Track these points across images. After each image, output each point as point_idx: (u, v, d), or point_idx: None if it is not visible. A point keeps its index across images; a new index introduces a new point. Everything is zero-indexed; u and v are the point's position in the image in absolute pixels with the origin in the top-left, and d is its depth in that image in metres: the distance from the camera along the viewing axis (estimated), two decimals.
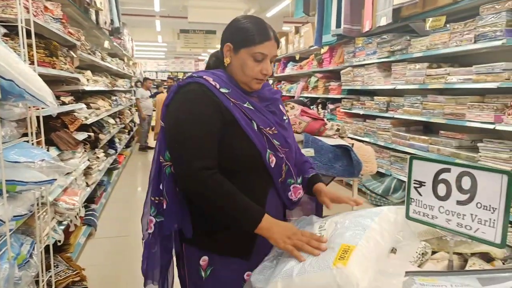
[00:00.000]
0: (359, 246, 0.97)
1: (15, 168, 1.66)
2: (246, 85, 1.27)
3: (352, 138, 3.74)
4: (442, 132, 3.63)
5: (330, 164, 2.61)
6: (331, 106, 5.90)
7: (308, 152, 2.55)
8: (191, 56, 18.10)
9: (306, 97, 6.82)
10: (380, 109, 4.53)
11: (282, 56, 8.07)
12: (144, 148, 8.97)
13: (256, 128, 1.22)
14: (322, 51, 5.96)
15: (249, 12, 8.63)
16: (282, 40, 8.00)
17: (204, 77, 1.23)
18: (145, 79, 9.48)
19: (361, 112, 4.93)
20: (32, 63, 2.09)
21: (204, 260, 1.26)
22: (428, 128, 4.32)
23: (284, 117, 1.37)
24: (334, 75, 5.89)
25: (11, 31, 2.17)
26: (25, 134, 1.94)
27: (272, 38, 1.24)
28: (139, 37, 12.34)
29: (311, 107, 6.48)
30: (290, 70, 7.51)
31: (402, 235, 1.09)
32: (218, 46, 1.34)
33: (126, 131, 7.65)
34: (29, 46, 2.08)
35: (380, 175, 4.65)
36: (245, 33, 1.23)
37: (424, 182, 1.11)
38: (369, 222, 1.07)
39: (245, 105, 1.23)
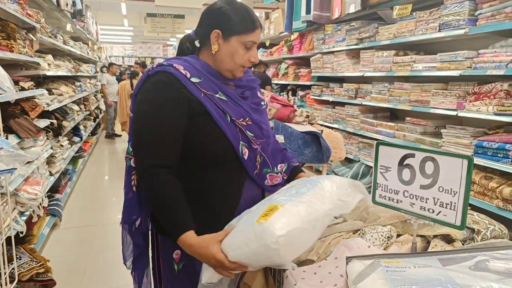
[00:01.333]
0: (287, 205, 1.00)
1: None
2: (230, 73, 1.24)
3: (321, 125, 3.78)
4: (408, 118, 3.74)
5: (299, 150, 2.64)
6: (301, 93, 5.94)
7: (278, 138, 2.56)
8: (159, 41, 17.64)
9: (276, 84, 6.83)
10: (349, 96, 4.60)
11: None
12: (111, 135, 8.73)
13: (229, 120, 1.18)
14: (292, 37, 5.95)
15: None
16: None
17: (174, 65, 1.17)
18: (111, 64, 9.16)
19: (330, 99, 5.00)
20: None
21: (177, 253, 1.24)
22: (395, 115, 4.44)
23: (262, 103, 1.34)
24: (304, 61, 5.91)
25: None
26: None
27: (259, 27, 1.23)
28: (104, 21, 11.87)
29: (281, 93, 6.50)
30: (260, 56, 7.48)
31: (347, 194, 1.10)
32: (187, 31, 1.30)
33: (92, 118, 7.41)
34: None
35: (348, 161, 4.76)
36: (236, 20, 1.18)
37: (390, 167, 1.14)
38: (308, 188, 1.09)
39: (217, 95, 1.18)
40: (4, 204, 2.04)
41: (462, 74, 2.92)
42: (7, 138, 2.30)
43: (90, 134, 7.08)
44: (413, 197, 1.10)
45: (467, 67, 2.92)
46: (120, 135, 8.87)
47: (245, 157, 1.21)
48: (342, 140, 3.09)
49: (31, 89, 2.98)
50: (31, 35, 3.10)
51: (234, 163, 1.22)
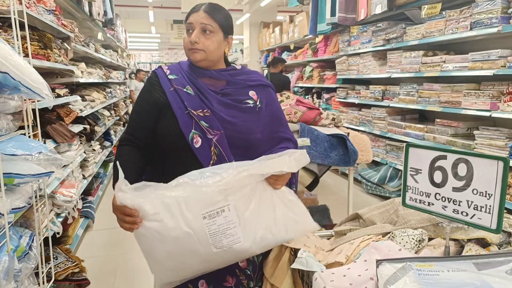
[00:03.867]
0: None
1: (13, 161, 1.65)
2: (191, 60, 1.37)
3: (347, 127, 3.75)
4: (438, 120, 3.65)
5: (326, 153, 2.63)
6: (326, 96, 5.90)
7: (304, 141, 2.56)
8: None
9: (301, 87, 6.81)
10: (376, 98, 4.54)
11: (276, 45, 8.03)
12: None
13: (186, 110, 1.31)
14: (317, 40, 5.93)
15: (243, 2, 8.55)
16: (277, 30, 7.95)
17: (162, 66, 1.43)
18: (138, 70, 9.40)
19: (356, 101, 4.94)
20: (26, 55, 2.07)
21: None
22: (424, 117, 4.34)
23: (249, 101, 1.37)
24: (329, 64, 5.88)
25: (3, 23, 2.14)
26: (22, 127, 1.93)
27: (200, 10, 1.33)
28: (133, 28, 12.21)
29: (306, 96, 6.48)
30: (285, 59, 7.48)
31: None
32: None
33: (121, 123, 7.61)
34: (23, 38, 2.06)
35: (375, 164, 4.68)
36: None
37: (421, 170, 1.13)
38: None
39: (184, 89, 1.34)
40: (42, 205, 2.13)
41: (495, 73, 2.83)
42: (44, 143, 2.40)
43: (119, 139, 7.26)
44: (445, 199, 1.08)
45: (501, 66, 2.83)
46: None
47: (196, 145, 1.29)
48: (369, 143, 3.05)
49: (66, 96, 3.10)
50: (66, 44, 3.23)
51: (188, 151, 1.30)
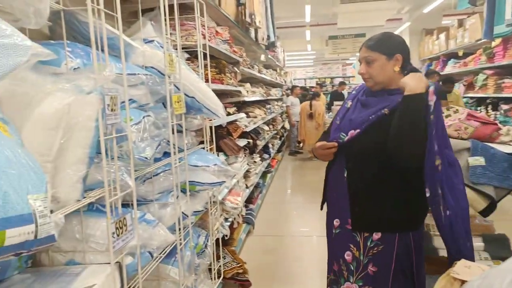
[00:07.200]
0: None
1: (195, 171, 1.96)
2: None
3: None
4: None
5: (505, 174, 2.28)
6: (504, 107, 5.08)
7: (477, 161, 2.28)
8: (338, 61, 17.99)
9: (472, 97, 6.04)
10: None
11: (441, 53, 7.35)
12: (294, 152, 9.32)
13: (338, 120, 1.74)
14: (494, 44, 5.19)
15: (403, 10, 8.12)
16: (442, 36, 7.27)
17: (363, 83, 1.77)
18: (294, 86, 9.85)
19: None
20: (206, 81, 2.43)
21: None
22: None
23: (385, 111, 1.57)
24: (508, 70, 5.06)
25: (191, 55, 2.57)
26: (201, 142, 2.26)
27: (363, 46, 1.63)
28: (290, 48, 12.89)
29: (478, 108, 5.70)
30: (451, 68, 6.77)
31: None
32: None
33: (278, 137, 8.07)
34: (204, 66, 2.42)
35: None
36: None
37: None
38: None
39: (349, 102, 1.74)
40: (215, 210, 2.45)
41: None
42: (218, 155, 2.76)
43: (276, 152, 7.73)
44: None
45: None
46: (301, 152, 9.38)
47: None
48: None
49: (234, 113, 3.50)
50: (235, 68, 3.66)
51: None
